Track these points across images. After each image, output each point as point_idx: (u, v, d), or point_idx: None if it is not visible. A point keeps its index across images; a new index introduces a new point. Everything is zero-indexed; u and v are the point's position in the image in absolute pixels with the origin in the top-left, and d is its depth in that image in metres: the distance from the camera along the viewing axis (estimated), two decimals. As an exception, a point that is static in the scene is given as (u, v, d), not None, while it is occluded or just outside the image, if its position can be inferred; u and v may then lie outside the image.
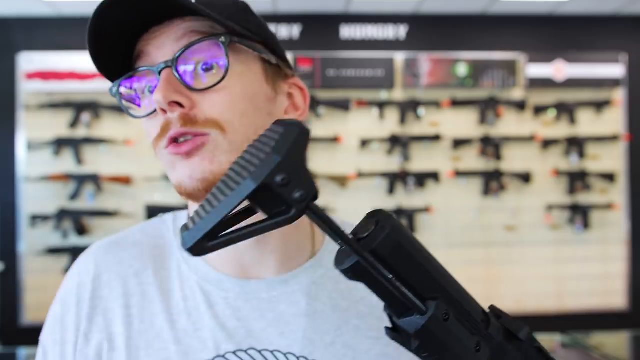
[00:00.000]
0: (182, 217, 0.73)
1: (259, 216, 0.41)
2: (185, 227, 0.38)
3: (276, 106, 0.66)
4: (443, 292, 0.41)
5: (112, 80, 0.63)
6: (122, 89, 0.62)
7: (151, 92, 0.61)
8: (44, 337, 0.69)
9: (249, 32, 0.62)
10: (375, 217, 0.41)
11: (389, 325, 0.65)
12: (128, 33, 0.60)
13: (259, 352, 0.62)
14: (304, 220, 0.70)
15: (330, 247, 0.71)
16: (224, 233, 0.38)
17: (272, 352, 0.62)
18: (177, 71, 0.58)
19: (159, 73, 0.58)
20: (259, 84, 0.63)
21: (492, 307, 0.47)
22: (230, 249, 0.64)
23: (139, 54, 0.61)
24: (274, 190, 0.37)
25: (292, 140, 0.38)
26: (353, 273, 0.40)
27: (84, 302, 0.66)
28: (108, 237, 0.73)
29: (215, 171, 0.58)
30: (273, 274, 0.66)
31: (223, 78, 0.58)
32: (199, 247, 0.37)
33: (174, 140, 0.59)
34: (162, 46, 0.60)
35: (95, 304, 0.66)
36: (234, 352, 0.62)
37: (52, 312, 0.69)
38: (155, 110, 0.60)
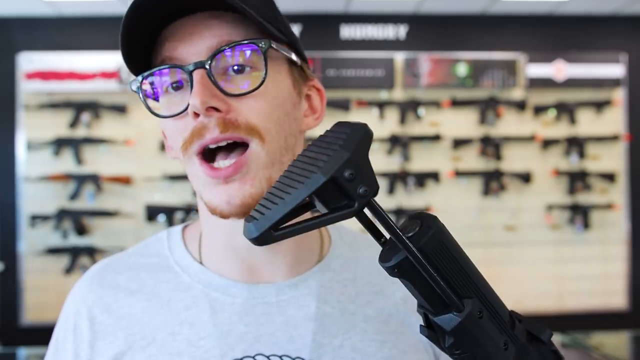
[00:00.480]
0: (176, 233, 0.72)
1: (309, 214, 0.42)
2: (250, 217, 0.40)
3: (300, 111, 0.64)
4: (477, 292, 0.44)
5: (135, 73, 0.60)
6: (144, 84, 0.60)
7: (176, 89, 0.59)
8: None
9: (280, 34, 0.61)
10: (419, 218, 0.43)
11: (398, 330, 0.66)
12: (155, 23, 0.57)
13: (267, 357, 0.62)
14: None
15: (336, 252, 0.71)
16: (286, 225, 0.40)
17: (280, 357, 0.62)
18: (211, 73, 0.56)
19: (190, 73, 0.56)
20: (288, 89, 0.62)
21: (512, 312, 0.48)
22: (244, 253, 0.65)
23: (166, 50, 0.58)
24: (341, 185, 0.39)
25: (359, 139, 0.40)
26: (399, 269, 0.42)
27: (82, 328, 0.66)
28: (104, 260, 0.73)
29: (254, 194, 0.57)
30: (282, 278, 0.66)
31: (261, 84, 0.57)
32: (266, 236, 0.39)
33: (205, 153, 0.57)
34: (193, 46, 0.57)
35: (95, 329, 0.65)
36: (241, 359, 0.61)
37: (54, 336, 0.70)
38: (183, 111, 0.57)
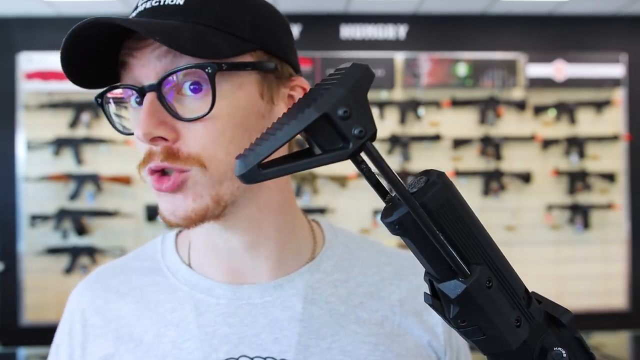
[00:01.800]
0: (169, 238, 0.73)
1: None
2: (240, 155, 0.37)
3: (273, 118, 0.62)
4: (488, 259, 0.40)
5: (87, 86, 0.60)
6: (111, 95, 0.60)
7: (138, 103, 0.58)
8: None
9: (242, 41, 0.58)
10: (426, 174, 0.40)
11: (394, 333, 0.65)
12: (105, 41, 0.57)
13: (251, 359, 0.61)
14: (304, 223, 0.70)
15: (329, 252, 0.69)
16: (276, 163, 0.38)
17: (264, 358, 0.61)
18: (162, 96, 0.55)
19: (143, 95, 0.56)
20: (251, 103, 0.59)
21: (533, 293, 0.46)
22: (224, 254, 0.64)
23: (122, 63, 0.58)
24: (335, 122, 0.36)
25: (357, 77, 0.38)
26: (400, 226, 0.39)
27: (76, 331, 0.67)
28: (101, 266, 0.74)
29: (197, 209, 0.57)
30: (267, 279, 0.65)
31: (209, 111, 0.55)
32: (253, 174, 0.36)
33: (156, 171, 0.58)
34: (144, 61, 0.56)
35: (87, 331, 0.67)
36: None
37: (54, 341, 0.71)
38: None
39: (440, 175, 0.39)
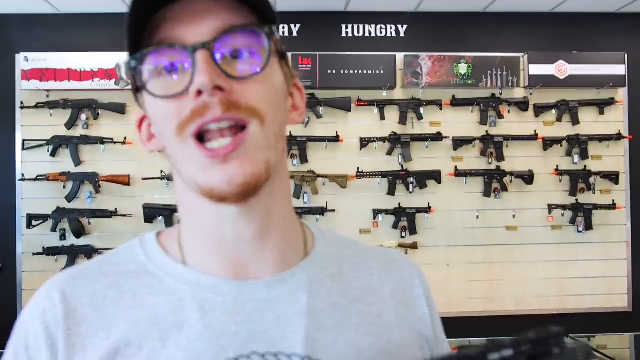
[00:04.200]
0: (149, 240, 0.69)
1: None
2: None
3: (288, 104, 0.66)
4: None
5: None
6: (147, 65, 0.57)
7: (170, 72, 0.57)
8: None
9: (274, 25, 0.61)
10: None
11: (392, 324, 0.67)
12: (153, 2, 0.56)
13: (262, 356, 0.60)
14: (297, 219, 0.70)
15: (320, 248, 0.71)
16: None
17: (275, 354, 0.60)
18: (214, 56, 0.56)
19: (193, 54, 0.55)
20: (281, 80, 0.63)
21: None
22: (231, 246, 0.63)
23: (165, 31, 0.57)
24: None
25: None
26: None
27: (59, 342, 0.61)
28: (67, 270, 0.69)
29: (255, 173, 0.57)
30: (270, 274, 0.64)
31: (265, 67, 0.57)
32: None
33: (200, 138, 0.56)
34: (196, 27, 0.56)
35: (72, 342, 0.60)
36: (234, 359, 0.59)
37: (10, 351, 0.63)
38: (184, 91, 0.55)
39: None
